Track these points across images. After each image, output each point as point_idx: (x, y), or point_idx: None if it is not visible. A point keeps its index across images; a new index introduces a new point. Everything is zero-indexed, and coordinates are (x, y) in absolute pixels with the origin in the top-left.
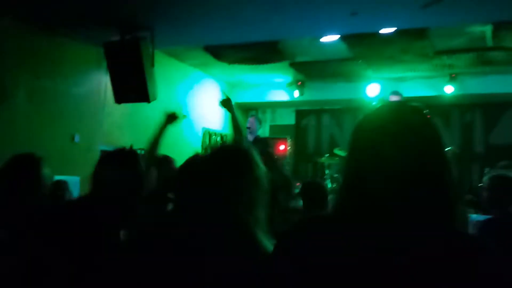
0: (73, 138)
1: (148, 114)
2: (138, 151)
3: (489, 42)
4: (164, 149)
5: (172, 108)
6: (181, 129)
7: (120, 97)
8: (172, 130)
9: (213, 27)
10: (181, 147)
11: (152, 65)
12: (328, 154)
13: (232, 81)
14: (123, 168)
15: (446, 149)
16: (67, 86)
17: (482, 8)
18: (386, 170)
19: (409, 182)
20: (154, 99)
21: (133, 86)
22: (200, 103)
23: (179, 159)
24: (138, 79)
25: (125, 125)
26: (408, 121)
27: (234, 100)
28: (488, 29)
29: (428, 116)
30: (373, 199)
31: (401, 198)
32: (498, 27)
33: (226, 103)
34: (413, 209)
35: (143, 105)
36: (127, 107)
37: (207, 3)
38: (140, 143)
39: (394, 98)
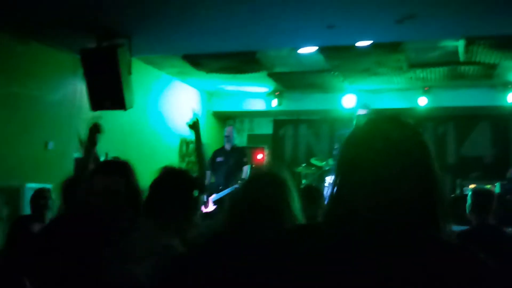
0: (46, 145)
1: (124, 121)
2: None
3: (462, 57)
4: (141, 158)
5: (147, 116)
6: (158, 137)
7: (96, 104)
8: (149, 138)
9: (192, 37)
10: (158, 156)
11: (129, 72)
12: (305, 164)
13: (211, 90)
14: (117, 178)
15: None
16: (41, 92)
17: (454, 24)
18: (369, 184)
19: (391, 197)
20: (131, 107)
21: (109, 94)
22: (178, 112)
23: (156, 168)
24: (114, 87)
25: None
26: (393, 137)
27: (213, 109)
28: (460, 44)
29: (417, 131)
30: (356, 212)
31: (383, 212)
32: (470, 42)
33: (195, 125)
34: (396, 223)
35: (119, 113)
36: (103, 115)
37: (185, 13)
38: (115, 151)
39: (362, 112)
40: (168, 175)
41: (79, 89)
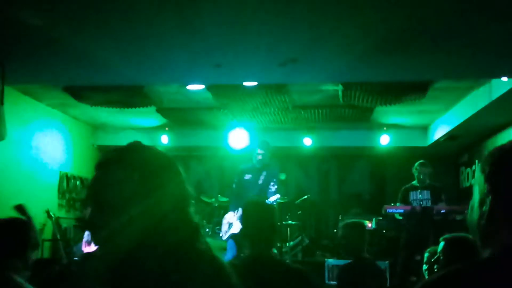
0: None
1: None
2: None
3: (341, 100)
4: (14, 194)
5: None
6: (35, 172)
7: None
8: (24, 173)
9: (70, 68)
10: (35, 191)
11: (1, 103)
12: (193, 201)
13: (96, 123)
14: None
15: None
16: None
17: (332, 70)
18: None
19: None
20: (2, 139)
21: None
22: (57, 145)
23: (33, 205)
24: None
25: None
26: None
27: (97, 143)
28: (339, 88)
29: None
30: None
31: None
32: (348, 87)
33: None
34: None
35: None
36: None
37: (64, 43)
38: None
39: (261, 150)
40: None
41: None
